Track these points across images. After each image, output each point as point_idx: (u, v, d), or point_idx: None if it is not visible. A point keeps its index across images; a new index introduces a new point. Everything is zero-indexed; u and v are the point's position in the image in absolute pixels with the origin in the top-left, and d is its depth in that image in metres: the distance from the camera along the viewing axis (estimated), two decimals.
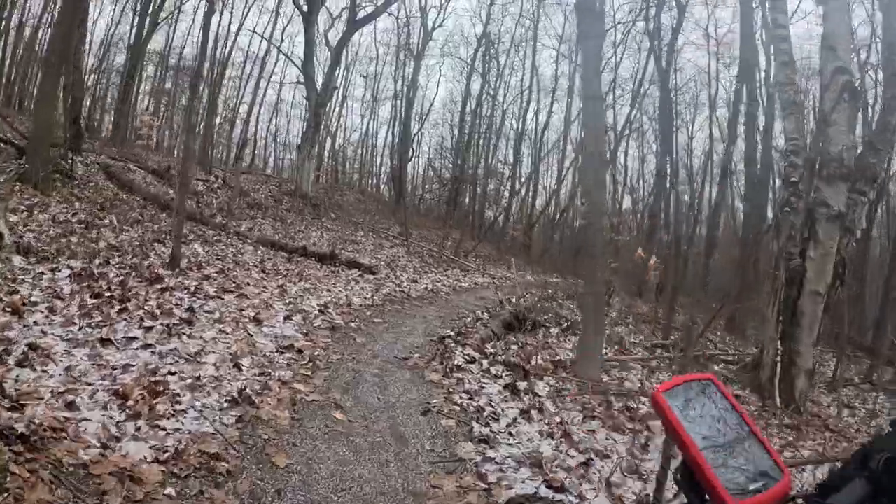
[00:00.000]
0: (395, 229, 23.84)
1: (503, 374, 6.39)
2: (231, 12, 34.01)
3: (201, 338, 5.69)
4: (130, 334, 5.32)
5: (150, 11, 29.80)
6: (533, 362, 6.95)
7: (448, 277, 15.73)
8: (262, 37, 32.88)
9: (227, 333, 6.00)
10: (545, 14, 34.63)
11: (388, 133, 39.66)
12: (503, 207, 36.28)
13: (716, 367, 12.06)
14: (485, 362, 6.66)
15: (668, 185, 26.84)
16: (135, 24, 30.96)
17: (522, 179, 36.56)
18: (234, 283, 8.30)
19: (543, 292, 15.15)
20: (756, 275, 19.14)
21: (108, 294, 6.28)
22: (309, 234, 18.21)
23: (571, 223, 38.46)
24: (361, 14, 26.48)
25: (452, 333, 7.84)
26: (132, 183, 16.22)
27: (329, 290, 9.56)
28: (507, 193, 36.86)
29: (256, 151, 44.75)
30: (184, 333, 5.68)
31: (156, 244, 10.09)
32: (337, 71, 29.32)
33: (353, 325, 7.61)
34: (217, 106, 35.20)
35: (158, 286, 7.04)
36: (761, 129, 21.80)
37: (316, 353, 6.00)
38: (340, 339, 6.82)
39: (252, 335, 6.13)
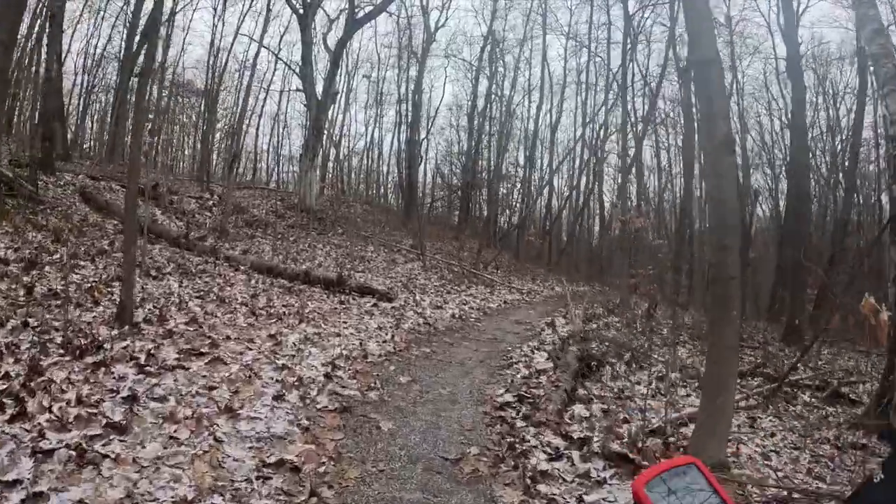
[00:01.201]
0: (408, 241, 21.61)
1: (608, 476, 4.12)
2: (223, 21, 31.90)
3: (135, 460, 3.42)
4: (10, 474, 3.07)
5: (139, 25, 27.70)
6: (640, 445, 4.67)
7: (474, 297, 13.45)
8: (259, 43, 30.68)
9: (181, 443, 3.73)
10: (550, 11, 32.39)
11: (393, 139, 37.53)
12: (521, 213, 34.04)
13: (804, 397, 9.87)
14: (575, 455, 4.37)
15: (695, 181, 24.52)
16: (124, 37, 28.84)
17: (536, 182, 34.28)
18: (210, 337, 6.02)
19: (587, 312, 12.93)
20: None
21: (3, 387, 4.03)
22: (314, 252, 15.98)
23: (589, 226, 36.26)
24: (361, 14, 24.38)
25: (512, 398, 5.56)
26: (110, 205, 14.01)
27: (338, 335, 7.26)
28: (520, 198, 34.62)
29: (260, 165, 42.83)
30: (108, 455, 3.41)
31: (116, 283, 7.83)
32: (337, 75, 27.14)
33: (373, 394, 5.31)
34: (216, 118, 33.11)
35: (91, 359, 4.77)
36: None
37: (321, 469, 3.72)
38: (358, 429, 4.52)
39: (221, 442, 3.86)
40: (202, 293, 8.54)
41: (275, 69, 36.88)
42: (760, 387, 9.59)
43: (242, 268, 11.17)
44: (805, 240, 16.95)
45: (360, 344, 6.86)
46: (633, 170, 23.61)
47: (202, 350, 5.57)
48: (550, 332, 10.31)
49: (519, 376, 6.44)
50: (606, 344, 9.42)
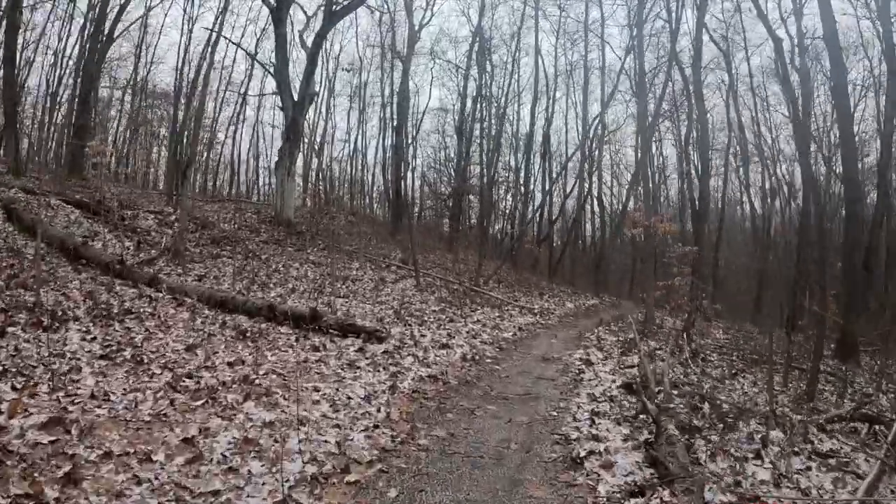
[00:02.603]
0: (397, 255, 18.98)
1: None
2: (193, 19, 29.21)
3: None
4: None
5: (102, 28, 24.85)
6: None
7: (482, 324, 10.83)
8: (219, 33, 28.03)
9: None
10: (540, 9, 29.92)
11: (378, 146, 34.95)
12: (514, 220, 31.54)
13: None
14: None
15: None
16: (86, 44, 25.93)
17: (532, 186, 31.76)
18: (72, 458, 3.35)
19: (625, 341, 10.40)
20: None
21: None
22: (288, 273, 13.30)
23: (583, 232, 33.71)
24: (339, 6, 21.76)
25: None
26: (37, 223, 11.26)
27: (303, 422, 4.57)
28: (514, 203, 32.13)
29: (241, 178, 40.16)
30: None
31: None
32: (316, 74, 24.48)
33: None
34: (193, 127, 30.24)
35: None
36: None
37: None
38: None
39: None
40: (115, 349, 5.84)
41: (251, 74, 34.30)
42: (871, 439, 7.10)
43: (190, 301, 8.49)
44: (861, 244, 14.55)
45: (338, 443, 4.19)
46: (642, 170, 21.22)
47: (40, 499, 2.91)
48: (591, 374, 7.75)
49: (602, 491, 3.82)
50: (675, 393, 6.84)
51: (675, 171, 31.17)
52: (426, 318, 10.34)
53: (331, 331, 7.90)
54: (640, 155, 17.62)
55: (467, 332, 9.66)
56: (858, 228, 14.08)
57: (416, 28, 27.49)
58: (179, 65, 29.55)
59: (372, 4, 26.89)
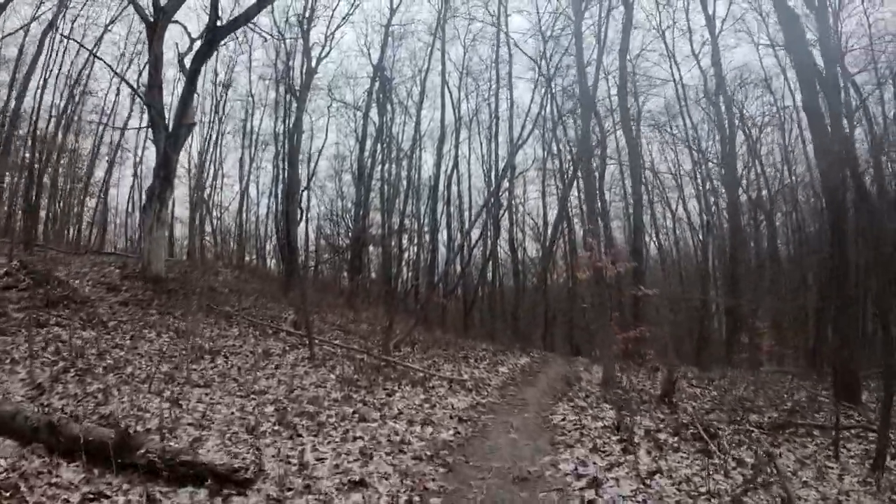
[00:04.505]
0: (289, 316, 15.42)
1: None
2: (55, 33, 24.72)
3: None
4: None
5: None
6: None
7: (408, 420, 7.45)
8: (93, 53, 23.87)
9: None
10: (447, 51, 27.90)
11: (271, 193, 31.05)
12: (417, 271, 28.58)
13: None
14: None
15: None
16: None
17: (441, 236, 29.00)
18: None
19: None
20: None
21: None
22: (136, 346, 9.56)
23: (499, 283, 31.06)
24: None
25: None
26: None
27: None
28: (419, 253, 29.22)
29: (111, 228, 35.00)
30: None
31: None
32: (204, 108, 20.81)
33: None
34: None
35: None
36: None
37: None
38: None
39: None
40: None
41: (131, 107, 29.96)
42: None
43: None
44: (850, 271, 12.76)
45: None
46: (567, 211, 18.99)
47: None
48: None
49: None
50: None
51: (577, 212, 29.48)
52: (324, 419, 6.89)
53: (156, 472, 4.40)
54: (590, 182, 15.18)
55: (388, 440, 6.31)
56: (845, 252, 12.08)
57: (314, 62, 24.52)
58: (39, 93, 24.97)
59: (265, 31, 23.75)
